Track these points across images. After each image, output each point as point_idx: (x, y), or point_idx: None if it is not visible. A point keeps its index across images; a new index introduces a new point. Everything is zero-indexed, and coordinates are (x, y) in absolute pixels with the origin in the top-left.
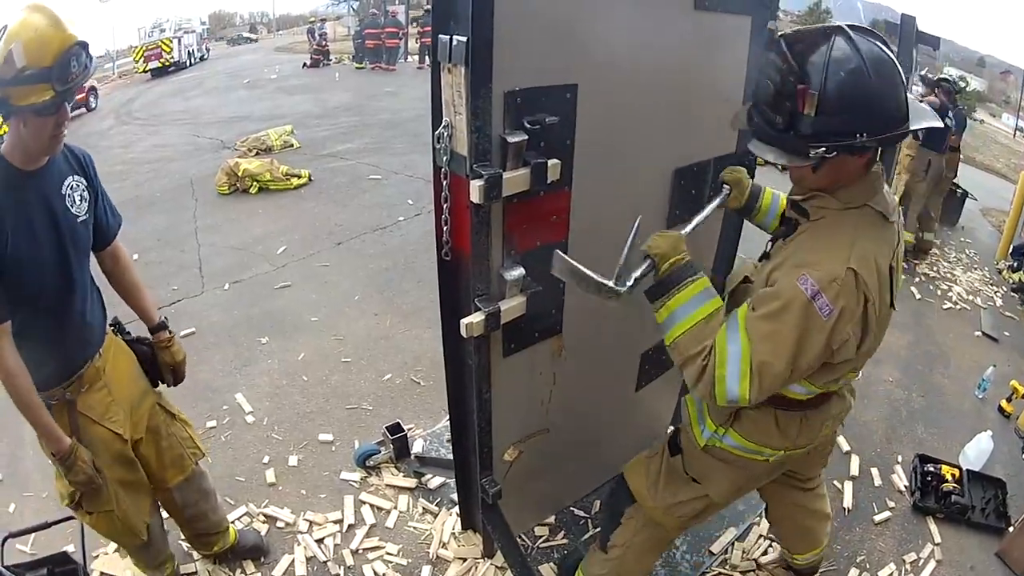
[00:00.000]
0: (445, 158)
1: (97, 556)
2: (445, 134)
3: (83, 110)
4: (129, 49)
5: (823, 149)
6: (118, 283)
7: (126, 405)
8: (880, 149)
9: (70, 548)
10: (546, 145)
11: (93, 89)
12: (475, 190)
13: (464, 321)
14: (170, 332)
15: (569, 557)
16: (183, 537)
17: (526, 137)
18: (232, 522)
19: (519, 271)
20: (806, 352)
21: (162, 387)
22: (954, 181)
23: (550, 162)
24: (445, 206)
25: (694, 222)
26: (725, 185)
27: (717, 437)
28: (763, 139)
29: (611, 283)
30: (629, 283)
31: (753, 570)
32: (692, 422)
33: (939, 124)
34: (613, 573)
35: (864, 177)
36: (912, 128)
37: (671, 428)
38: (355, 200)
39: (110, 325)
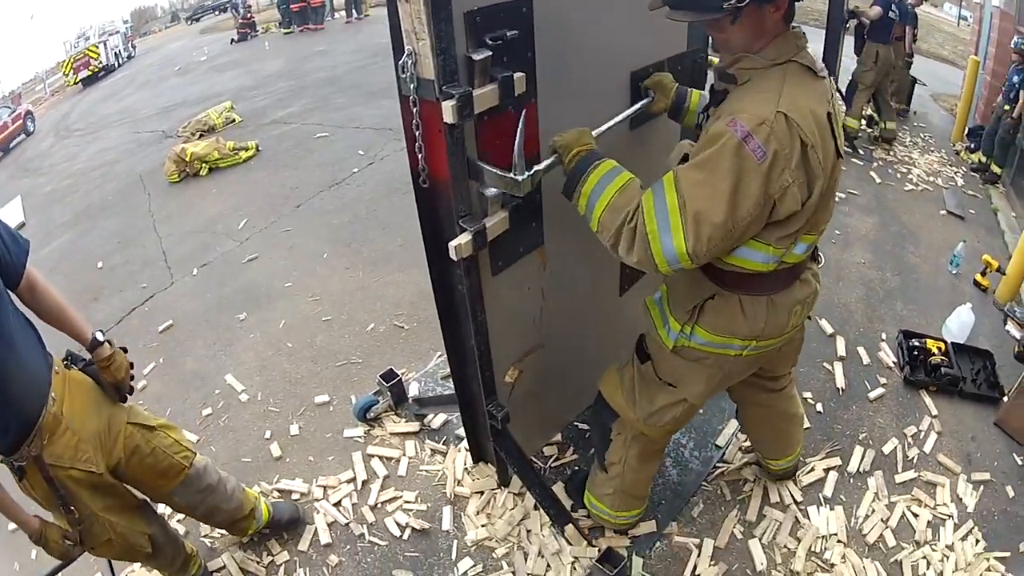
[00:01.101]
0: (412, 85)
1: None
2: (409, 62)
3: (22, 136)
4: (58, 65)
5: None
6: (41, 311)
7: (94, 440)
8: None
9: None
10: (509, 59)
11: (29, 113)
12: (448, 110)
13: (452, 243)
14: (110, 345)
15: (575, 476)
16: (212, 530)
17: (490, 53)
18: (263, 496)
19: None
20: (744, 199)
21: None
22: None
23: (516, 75)
24: (417, 133)
25: (608, 124)
26: (648, 90)
27: (684, 336)
28: (676, 5)
29: (509, 174)
30: (528, 172)
31: (748, 463)
32: (656, 325)
33: None
34: (619, 489)
35: (785, 34)
36: None
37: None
38: (305, 161)
39: (63, 360)
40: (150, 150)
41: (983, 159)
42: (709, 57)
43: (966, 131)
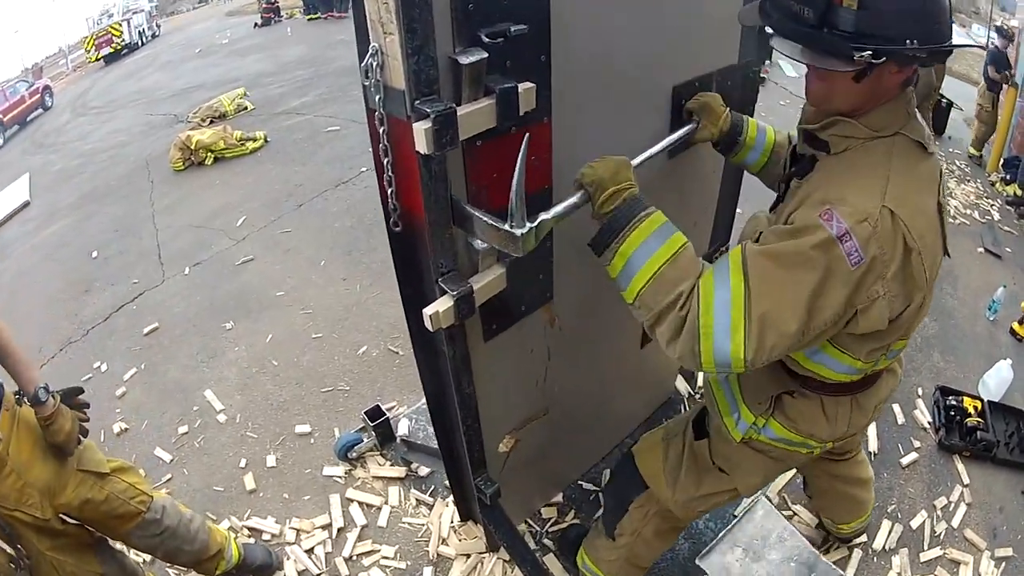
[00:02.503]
0: (378, 97)
1: None
2: (374, 64)
3: (39, 111)
4: (81, 41)
5: (869, 52)
6: None
7: (40, 485)
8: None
9: None
10: (513, 64)
11: (47, 88)
12: (421, 136)
13: (427, 311)
14: (54, 399)
15: (569, 530)
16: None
17: (485, 55)
18: (235, 536)
19: None
20: (823, 307)
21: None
22: (940, 92)
23: (521, 86)
24: (386, 161)
25: (646, 153)
26: (692, 115)
27: (755, 429)
28: (790, 36)
29: (505, 225)
30: (531, 224)
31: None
32: (721, 412)
33: (979, 44)
34: (623, 558)
35: (896, 99)
36: (956, 44)
37: (694, 404)
38: (314, 156)
39: (16, 394)
40: (161, 134)
41: (1019, 192)
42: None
43: (1001, 161)
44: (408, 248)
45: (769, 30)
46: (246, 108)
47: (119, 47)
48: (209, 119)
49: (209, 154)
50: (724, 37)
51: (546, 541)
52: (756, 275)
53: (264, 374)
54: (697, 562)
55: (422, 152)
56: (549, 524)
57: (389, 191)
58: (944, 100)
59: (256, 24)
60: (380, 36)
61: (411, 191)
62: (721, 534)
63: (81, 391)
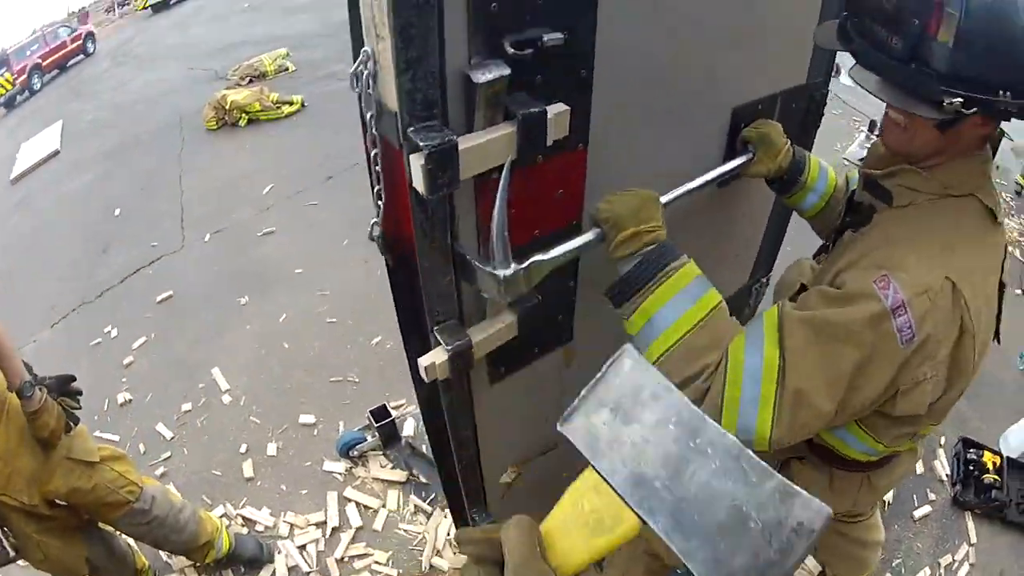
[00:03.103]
0: (369, 114)
1: None
2: (365, 73)
3: (81, 56)
4: None
5: (960, 100)
6: None
7: (27, 473)
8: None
9: None
10: (544, 81)
11: (91, 34)
12: (418, 173)
13: (422, 361)
14: (41, 393)
15: None
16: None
17: (508, 71)
18: (227, 526)
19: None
20: (862, 387)
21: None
22: None
23: (551, 109)
24: (376, 189)
25: (686, 187)
26: (748, 144)
27: None
28: (873, 67)
29: (488, 268)
30: (517, 266)
31: None
32: None
33: None
34: None
35: (973, 156)
36: None
37: None
38: (350, 126)
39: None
40: (198, 89)
41: None
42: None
43: None
44: (403, 288)
45: (849, 60)
46: (287, 69)
47: None
48: (248, 78)
49: (244, 115)
50: (794, 53)
51: None
52: (794, 346)
53: (274, 356)
54: (559, 428)
55: (418, 190)
56: None
57: (373, 223)
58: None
59: None
60: (373, 39)
61: (404, 227)
62: (583, 392)
63: (73, 379)
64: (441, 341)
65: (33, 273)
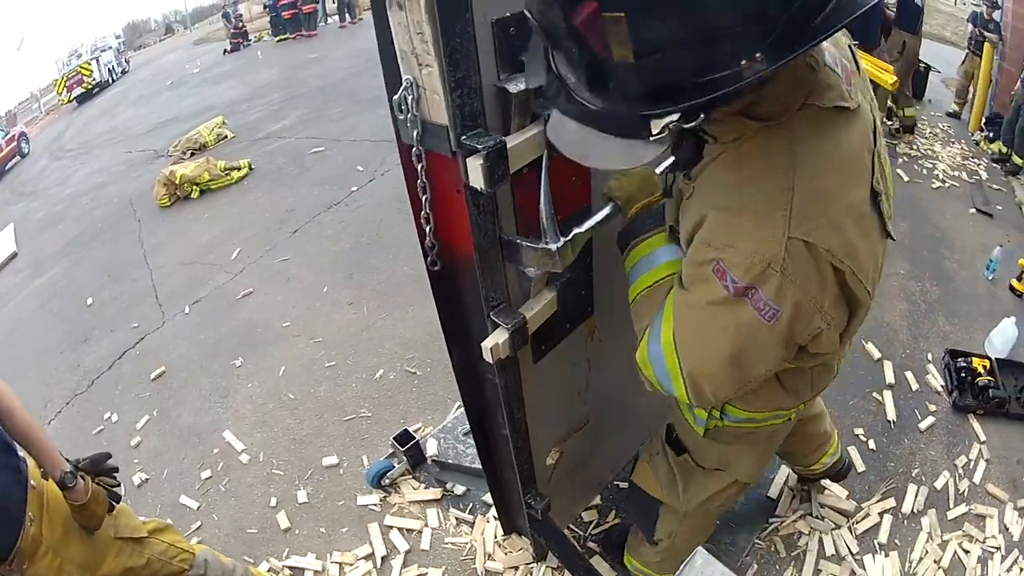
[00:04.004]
0: (415, 132)
1: None
2: (409, 99)
3: (17, 159)
4: (52, 84)
5: (676, 117)
6: (10, 433)
7: (79, 561)
8: None
9: None
10: None
11: (23, 135)
12: (477, 172)
13: (486, 344)
14: (84, 481)
15: (612, 532)
16: None
17: None
18: None
19: None
20: (753, 363)
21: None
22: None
23: None
24: (424, 198)
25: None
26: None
27: (714, 419)
28: (569, 114)
29: (541, 244)
30: (564, 238)
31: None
32: (682, 408)
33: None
34: (668, 556)
35: (785, 77)
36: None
37: (664, 428)
38: (301, 179)
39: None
40: (141, 170)
41: (1004, 150)
42: None
43: (983, 120)
44: (450, 288)
45: None
46: (226, 136)
47: (90, 86)
48: (190, 151)
49: (194, 187)
50: None
51: (591, 544)
52: (680, 328)
53: (282, 409)
54: None
55: (476, 188)
56: (591, 527)
57: (427, 228)
58: (922, 64)
59: (225, 51)
60: (414, 68)
61: (453, 227)
62: None
63: (108, 456)
64: (500, 323)
65: (18, 373)
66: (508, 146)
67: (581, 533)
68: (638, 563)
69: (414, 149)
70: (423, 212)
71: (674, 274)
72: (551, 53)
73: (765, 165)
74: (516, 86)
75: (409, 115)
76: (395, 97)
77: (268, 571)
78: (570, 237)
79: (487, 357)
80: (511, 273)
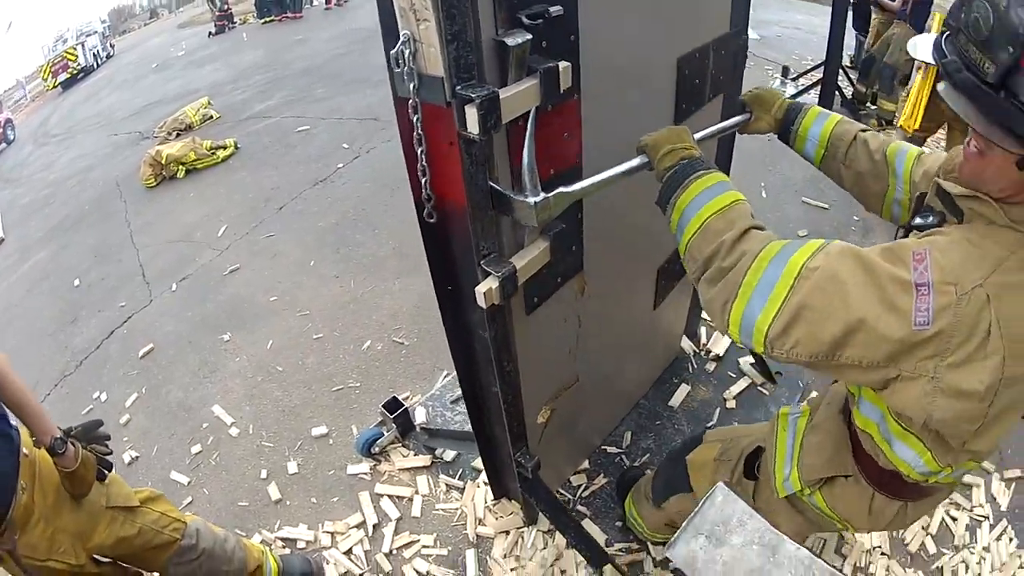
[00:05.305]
0: (412, 84)
1: None
2: (406, 52)
3: (3, 145)
4: (38, 70)
5: None
6: (2, 400)
7: (71, 529)
8: None
9: None
10: (549, 44)
11: (9, 121)
12: (473, 119)
13: (479, 288)
14: (74, 447)
15: (628, 472)
16: None
17: (530, 36)
18: (269, 549)
19: None
20: (861, 344)
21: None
22: None
23: (561, 65)
24: (419, 150)
25: (703, 132)
26: (745, 106)
27: (801, 495)
28: (960, 87)
29: (519, 197)
30: (545, 194)
31: None
32: (777, 459)
33: None
34: (663, 523)
35: None
36: None
37: (753, 445)
38: (287, 158)
39: (33, 439)
40: (127, 153)
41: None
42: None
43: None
44: (443, 237)
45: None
46: (212, 117)
47: (75, 71)
48: (176, 131)
49: (180, 167)
50: (715, 5)
51: (580, 507)
52: (829, 268)
53: (270, 381)
54: (665, 553)
55: (469, 135)
56: (580, 491)
57: (423, 180)
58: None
59: (210, 33)
60: (412, 24)
61: (447, 179)
62: (684, 523)
63: (100, 423)
64: (490, 271)
65: (8, 355)
66: (502, 97)
67: (570, 497)
68: (635, 511)
69: (410, 101)
70: (419, 165)
71: (742, 201)
72: (958, 42)
73: (991, 243)
74: (516, 39)
75: (406, 68)
76: (392, 52)
77: (260, 542)
78: (552, 194)
79: (480, 302)
80: (504, 224)
